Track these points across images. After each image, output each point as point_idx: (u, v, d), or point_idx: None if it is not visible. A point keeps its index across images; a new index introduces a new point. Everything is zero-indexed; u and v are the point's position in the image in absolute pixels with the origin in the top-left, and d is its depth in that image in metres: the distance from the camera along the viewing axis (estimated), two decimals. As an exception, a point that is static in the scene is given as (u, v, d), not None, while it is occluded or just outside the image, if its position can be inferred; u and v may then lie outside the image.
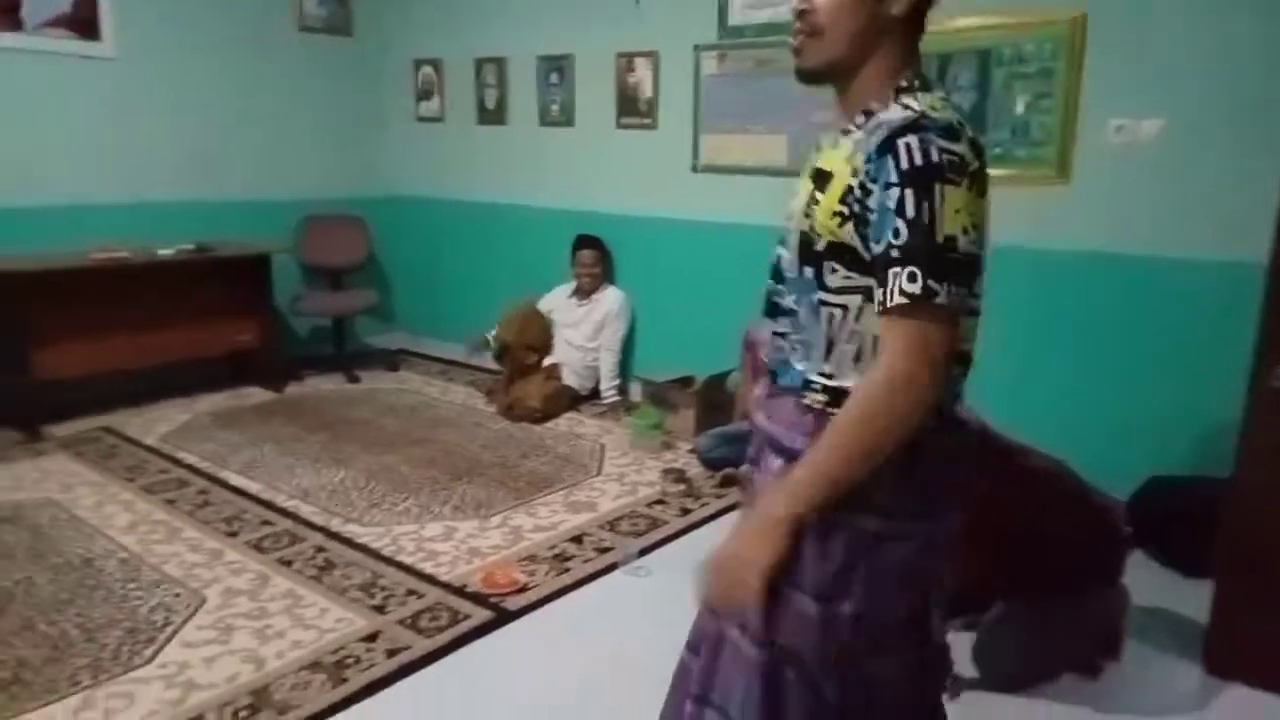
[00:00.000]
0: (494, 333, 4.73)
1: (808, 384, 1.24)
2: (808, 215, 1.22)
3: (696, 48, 4.39)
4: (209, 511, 3.32)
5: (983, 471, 2.14)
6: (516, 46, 5.21)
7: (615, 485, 3.62)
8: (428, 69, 5.74)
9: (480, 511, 3.34)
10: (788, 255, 1.29)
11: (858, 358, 1.20)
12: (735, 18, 4.23)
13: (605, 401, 4.70)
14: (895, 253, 1.10)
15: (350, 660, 2.37)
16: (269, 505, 3.38)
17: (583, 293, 4.76)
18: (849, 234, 1.17)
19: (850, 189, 1.16)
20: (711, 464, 3.70)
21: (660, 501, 3.47)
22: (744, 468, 4.21)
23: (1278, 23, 2.92)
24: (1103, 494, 2.40)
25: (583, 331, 4.73)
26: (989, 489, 2.17)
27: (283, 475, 3.69)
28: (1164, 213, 3.20)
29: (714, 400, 4.10)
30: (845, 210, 1.16)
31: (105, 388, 4.53)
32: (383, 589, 2.75)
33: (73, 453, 3.93)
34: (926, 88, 1.20)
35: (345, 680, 2.28)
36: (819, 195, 1.21)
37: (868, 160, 1.14)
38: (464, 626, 2.53)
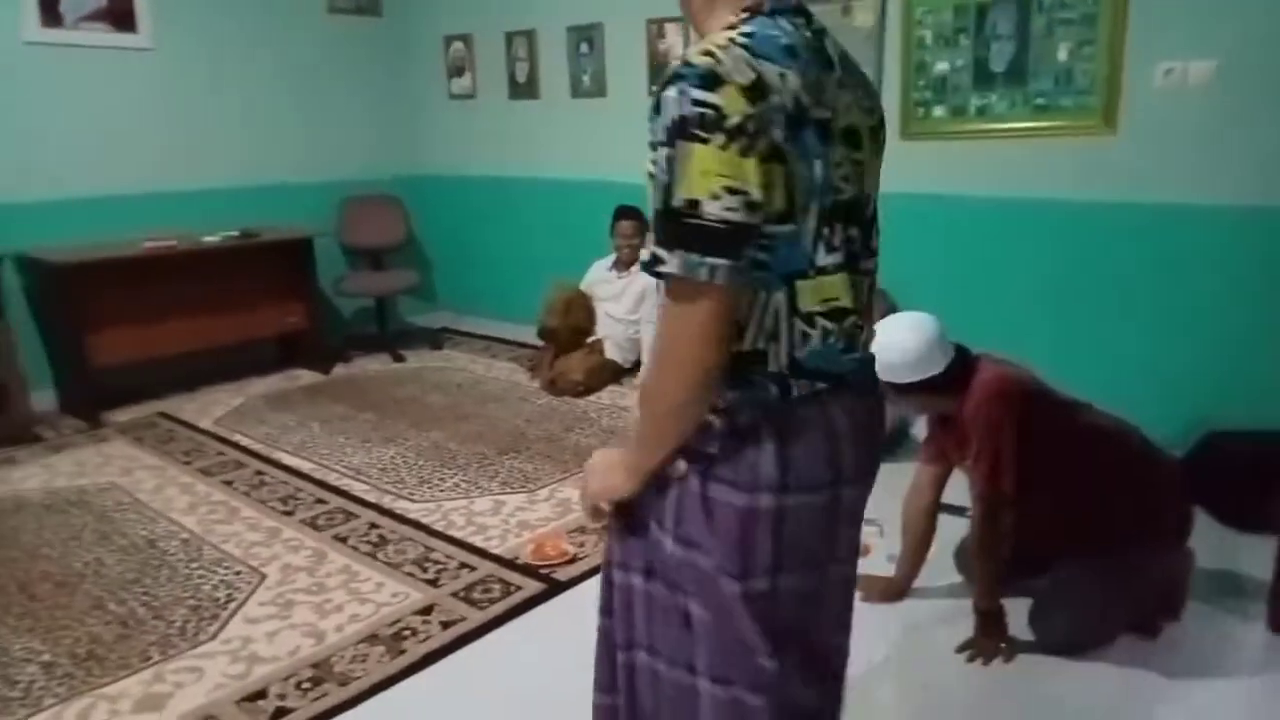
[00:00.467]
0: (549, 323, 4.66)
1: None
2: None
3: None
4: (265, 491, 3.40)
5: (1039, 430, 2.13)
6: (545, 17, 5.18)
7: (660, 455, 3.63)
8: (458, 45, 5.73)
9: (528, 485, 3.38)
10: None
11: None
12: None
13: (647, 373, 4.68)
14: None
15: (407, 632, 2.42)
16: (322, 484, 3.45)
17: (623, 264, 4.75)
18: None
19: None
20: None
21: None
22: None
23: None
24: (1162, 451, 2.35)
25: (624, 304, 4.72)
26: (1045, 448, 2.15)
27: (334, 454, 3.77)
28: (1216, 159, 3.09)
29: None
30: (650, 174, 1.07)
31: (159, 374, 4.65)
32: (435, 563, 2.80)
33: (132, 438, 4.05)
34: (762, 12, 1.07)
35: (403, 652, 2.33)
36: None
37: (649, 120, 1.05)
38: (516, 598, 2.57)
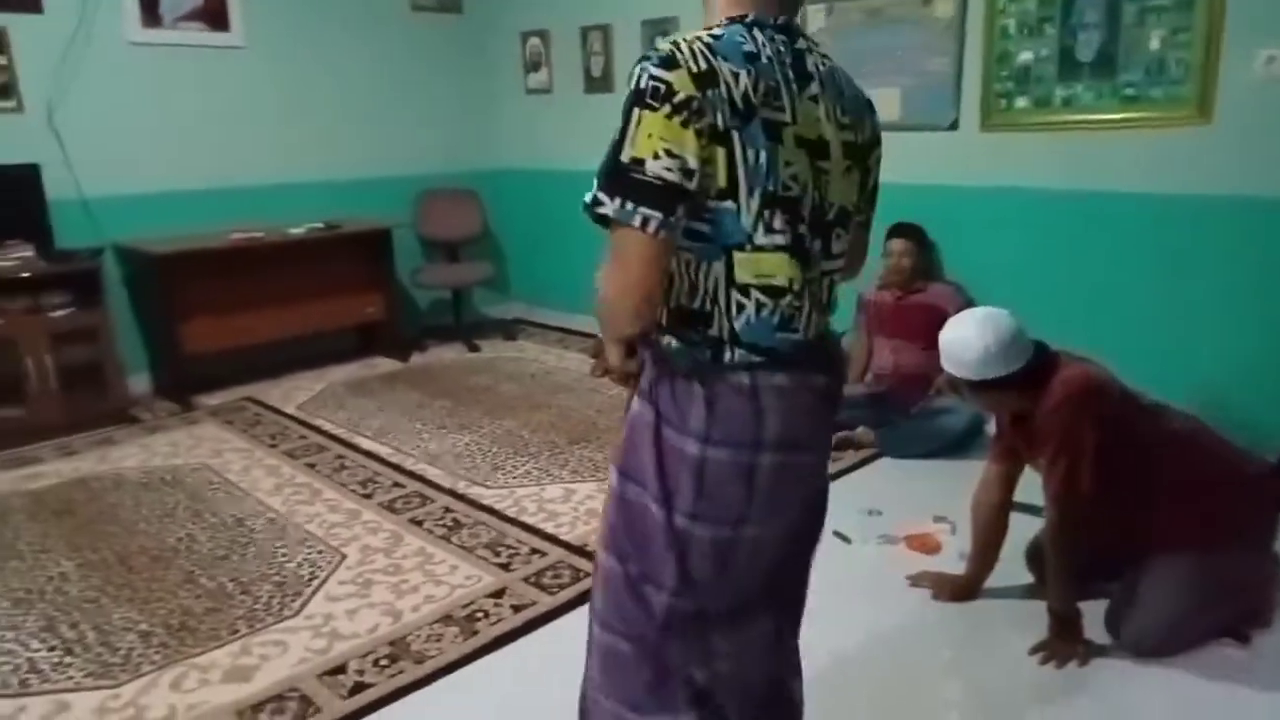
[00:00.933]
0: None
1: None
2: None
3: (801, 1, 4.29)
4: (345, 475, 3.52)
5: (1119, 431, 2.08)
6: (620, 12, 5.20)
7: (729, 448, 3.63)
8: (535, 40, 5.80)
9: (598, 474, 3.42)
10: None
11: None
12: (844, -32, 4.11)
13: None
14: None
15: (480, 615, 2.48)
16: (399, 468, 3.56)
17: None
18: None
19: None
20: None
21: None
22: (859, 430, 4.15)
23: None
24: (1250, 454, 2.27)
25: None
26: (1124, 449, 2.09)
27: (411, 440, 3.87)
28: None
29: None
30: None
31: (246, 360, 4.83)
32: (508, 547, 2.86)
33: (221, 421, 4.23)
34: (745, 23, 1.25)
35: (476, 633, 2.39)
36: None
37: None
38: (585, 584, 2.61)
